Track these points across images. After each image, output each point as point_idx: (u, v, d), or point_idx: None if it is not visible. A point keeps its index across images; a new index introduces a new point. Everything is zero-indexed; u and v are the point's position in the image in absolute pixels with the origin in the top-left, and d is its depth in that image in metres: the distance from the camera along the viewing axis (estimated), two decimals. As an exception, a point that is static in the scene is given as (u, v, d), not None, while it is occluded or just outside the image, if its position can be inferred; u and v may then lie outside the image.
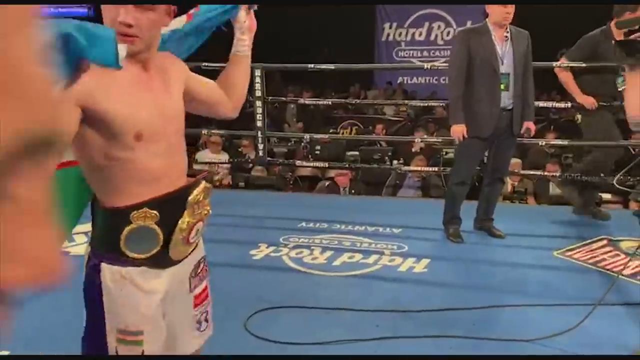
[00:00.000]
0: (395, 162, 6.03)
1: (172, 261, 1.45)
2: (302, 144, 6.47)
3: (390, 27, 12.88)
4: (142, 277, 1.40)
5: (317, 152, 6.27)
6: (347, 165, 4.68)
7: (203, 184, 1.48)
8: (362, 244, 3.48)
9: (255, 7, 1.65)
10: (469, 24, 12.29)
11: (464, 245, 3.43)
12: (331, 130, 7.15)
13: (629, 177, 3.89)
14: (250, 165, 5.38)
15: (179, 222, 1.41)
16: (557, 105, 4.48)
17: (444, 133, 7.82)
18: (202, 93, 1.60)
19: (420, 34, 12.76)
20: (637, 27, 2.02)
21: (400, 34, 12.87)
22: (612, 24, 3.50)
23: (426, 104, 6.00)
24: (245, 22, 1.63)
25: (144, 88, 1.40)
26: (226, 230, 3.65)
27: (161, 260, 1.42)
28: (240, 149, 6.09)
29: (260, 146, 4.09)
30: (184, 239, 1.43)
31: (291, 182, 5.07)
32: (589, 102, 3.66)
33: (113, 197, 1.39)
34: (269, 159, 4.38)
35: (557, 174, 4.05)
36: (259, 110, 3.98)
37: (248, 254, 3.36)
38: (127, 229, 1.36)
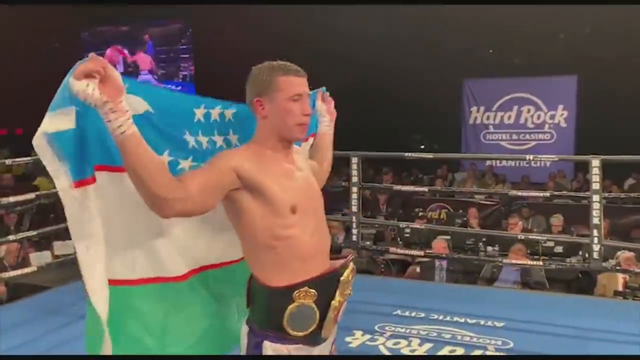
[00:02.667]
0: (490, 248, 5.83)
1: (321, 339, 1.52)
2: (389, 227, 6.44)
3: (478, 111, 12.88)
4: (299, 353, 1.48)
5: (407, 235, 6.19)
6: (443, 255, 4.56)
7: (351, 264, 1.57)
8: (464, 337, 3.31)
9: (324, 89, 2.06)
10: (560, 108, 12.20)
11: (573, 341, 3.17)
12: (421, 214, 7.06)
13: None
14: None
15: (332, 301, 1.47)
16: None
17: (539, 220, 7.54)
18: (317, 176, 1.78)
19: (510, 117, 12.63)
20: None
21: (488, 117, 12.81)
22: None
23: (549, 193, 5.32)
24: (323, 106, 2.01)
25: (292, 166, 1.56)
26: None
27: (314, 338, 1.49)
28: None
29: (355, 231, 4.12)
30: (335, 317, 1.48)
31: (382, 266, 4.99)
32: None
33: (275, 276, 1.47)
34: (365, 244, 4.38)
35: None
36: (355, 196, 4.05)
37: (343, 341, 3.28)
38: (290, 307, 1.44)
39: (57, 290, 4.04)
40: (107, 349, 1.46)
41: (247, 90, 1.58)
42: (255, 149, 1.53)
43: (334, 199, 6.10)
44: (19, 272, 3.88)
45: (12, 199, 3.73)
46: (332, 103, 2.05)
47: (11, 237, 4.62)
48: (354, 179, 3.99)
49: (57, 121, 1.37)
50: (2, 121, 12.43)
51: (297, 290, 1.44)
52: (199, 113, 1.71)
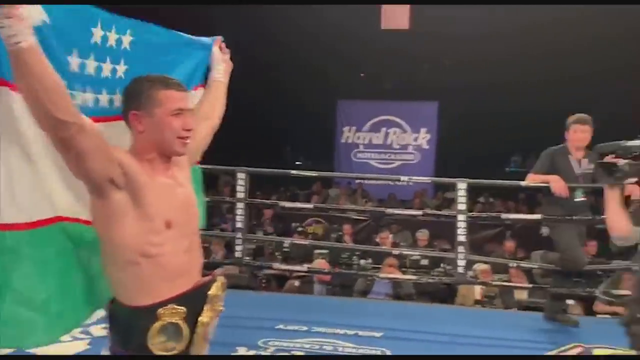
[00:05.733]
0: (362, 261, 6.11)
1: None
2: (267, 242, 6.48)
3: (350, 131, 13.48)
4: None
5: (286, 249, 6.29)
6: (325, 271, 4.72)
7: (220, 279, 1.51)
8: (345, 348, 3.44)
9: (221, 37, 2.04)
10: (422, 131, 13.20)
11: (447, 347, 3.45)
12: (299, 229, 7.21)
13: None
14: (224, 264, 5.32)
15: (200, 317, 1.41)
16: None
17: (406, 234, 8.07)
18: (200, 147, 1.78)
19: (378, 138, 13.38)
20: (614, 151, 2.25)
21: (359, 137, 13.46)
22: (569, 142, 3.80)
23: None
24: (219, 55, 1.98)
25: (171, 181, 1.50)
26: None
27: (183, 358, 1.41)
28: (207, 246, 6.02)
29: (239, 247, 4.09)
30: (205, 334, 1.44)
31: (264, 281, 5.02)
32: (559, 185, 3.69)
33: (138, 295, 1.39)
34: (246, 259, 4.37)
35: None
36: (240, 212, 4.03)
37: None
38: (154, 326, 1.36)
39: None
40: None
41: (123, 102, 1.50)
42: (135, 159, 1.45)
43: (208, 213, 5.99)
44: None
45: None
46: (229, 54, 2.02)
47: None
48: (240, 195, 3.98)
49: None
50: None
51: (162, 308, 1.38)
52: (97, 34, 1.59)
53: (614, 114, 8.24)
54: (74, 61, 1.55)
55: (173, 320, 1.39)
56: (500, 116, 11.02)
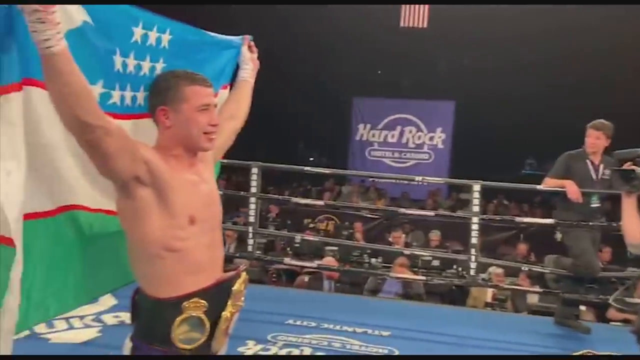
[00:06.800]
0: (373, 260, 6.11)
1: (210, 354, 1.47)
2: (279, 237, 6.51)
3: (364, 128, 13.45)
4: None
5: (297, 245, 6.30)
6: (335, 268, 4.73)
7: (244, 275, 1.53)
8: (353, 346, 3.44)
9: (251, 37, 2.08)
10: (438, 130, 13.11)
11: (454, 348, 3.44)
12: (311, 225, 7.23)
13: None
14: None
15: (223, 312, 1.44)
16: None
17: (418, 234, 8.05)
18: (225, 145, 1.79)
19: (393, 136, 13.33)
20: (633, 159, 2.22)
21: (373, 135, 13.42)
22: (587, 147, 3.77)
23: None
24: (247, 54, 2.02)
25: (196, 177, 1.52)
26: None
27: (203, 352, 1.45)
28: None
29: (250, 242, 4.11)
30: (226, 329, 1.46)
31: (274, 276, 5.04)
32: (573, 189, 3.69)
33: (163, 288, 1.41)
34: (257, 254, 4.39)
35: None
36: (253, 206, 4.05)
37: (236, 351, 3.26)
38: (178, 319, 1.39)
39: None
40: (14, 298, 1.32)
41: (149, 98, 1.52)
42: (160, 155, 1.47)
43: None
44: None
45: None
46: (256, 53, 2.05)
47: None
48: (253, 189, 4.00)
49: None
50: None
51: (186, 302, 1.40)
52: (137, 33, 1.63)
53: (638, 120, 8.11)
54: (117, 60, 1.59)
55: (196, 314, 1.41)
56: (517, 118, 10.93)
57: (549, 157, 4.85)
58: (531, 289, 4.46)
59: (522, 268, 4.63)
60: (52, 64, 1.20)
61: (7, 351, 1.32)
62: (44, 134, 1.45)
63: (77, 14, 1.41)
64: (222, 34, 2.05)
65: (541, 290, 4.23)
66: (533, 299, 5.01)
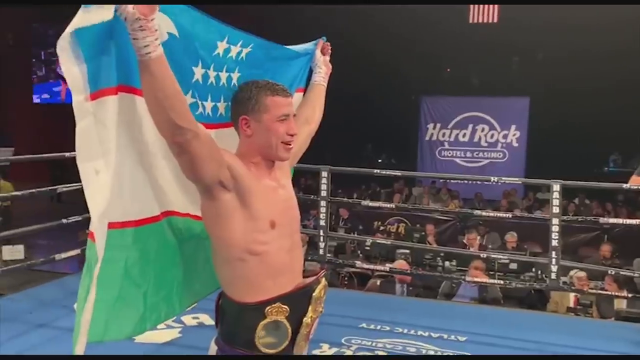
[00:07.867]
0: (447, 263, 5.96)
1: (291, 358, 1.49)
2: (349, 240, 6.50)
3: (434, 128, 13.20)
4: None
5: (367, 248, 6.27)
6: (407, 272, 4.66)
7: (323, 281, 1.54)
8: (429, 351, 3.38)
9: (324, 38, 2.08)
10: (512, 128, 12.65)
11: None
12: (381, 228, 7.17)
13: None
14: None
15: (304, 317, 1.45)
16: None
17: (494, 236, 7.79)
18: (300, 150, 1.82)
19: (464, 135, 13.01)
20: None
21: (444, 134, 13.15)
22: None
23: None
24: (321, 57, 2.03)
25: (274, 183, 1.56)
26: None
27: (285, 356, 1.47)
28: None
29: (322, 245, 4.13)
30: (307, 334, 1.47)
31: (346, 279, 5.04)
32: None
33: (246, 292, 1.45)
34: (328, 257, 4.40)
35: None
36: (323, 209, 4.07)
37: (311, 354, 3.28)
38: (262, 323, 1.41)
39: (10, 298, 3.87)
40: (90, 302, 1.36)
41: (232, 107, 1.57)
42: (242, 162, 1.52)
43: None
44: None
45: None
46: (329, 55, 2.05)
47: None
48: (323, 193, 4.01)
49: (91, 15, 1.27)
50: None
51: (269, 306, 1.43)
52: (221, 47, 1.68)
53: None
54: (198, 71, 1.64)
55: (279, 319, 1.44)
56: (597, 112, 10.35)
57: (636, 152, 4.55)
58: (619, 294, 4.19)
59: (609, 272, 4.36)
60: (150, 69, 1.26)
61: (83, 342, 1.37)
62: (144, 139, 1.52)
63: (164, 27, 1.46)
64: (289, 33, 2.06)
65: (630, 295, 3.97)
66: (621, 304, 4.71)
